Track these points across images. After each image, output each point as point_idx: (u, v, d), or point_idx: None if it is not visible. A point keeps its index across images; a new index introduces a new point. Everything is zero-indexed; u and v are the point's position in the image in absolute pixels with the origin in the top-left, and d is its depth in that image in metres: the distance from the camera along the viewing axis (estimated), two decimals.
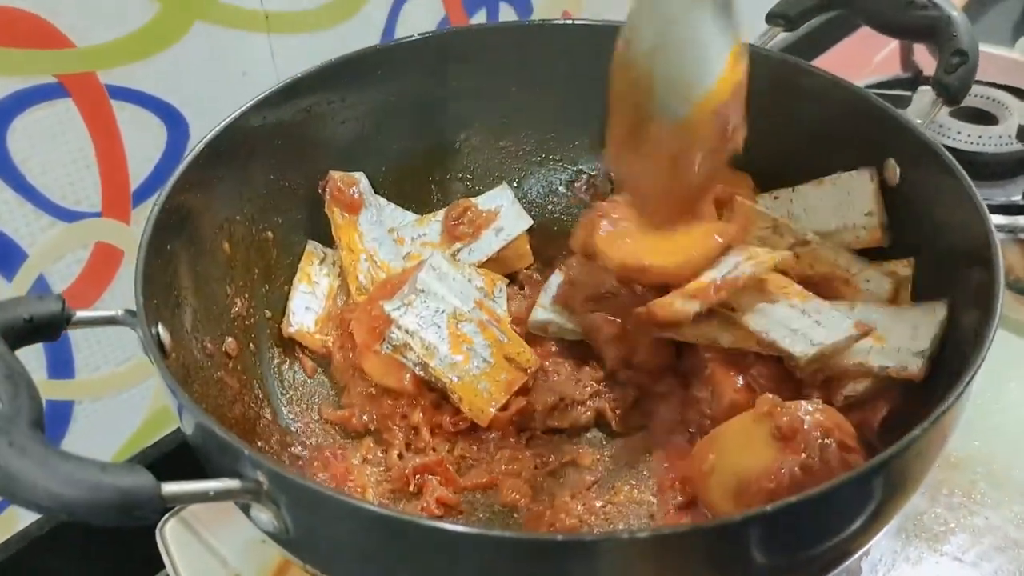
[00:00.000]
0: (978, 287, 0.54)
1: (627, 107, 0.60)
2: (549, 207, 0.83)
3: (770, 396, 0.57)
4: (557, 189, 0.83)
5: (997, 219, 0.87)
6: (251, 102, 0.65)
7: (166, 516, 0.69)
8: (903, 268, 0.65)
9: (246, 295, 0.68)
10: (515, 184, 0.82)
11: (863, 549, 0.50)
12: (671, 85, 0.58)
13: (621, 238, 0.64)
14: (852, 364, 0.60)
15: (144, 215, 0.56)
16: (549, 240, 0.79)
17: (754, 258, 0.63)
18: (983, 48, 0.69)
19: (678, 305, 0.61)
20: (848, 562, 0.50)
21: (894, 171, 0.65)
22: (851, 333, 0.60)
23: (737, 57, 0.58)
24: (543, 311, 0.70)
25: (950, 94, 0.67)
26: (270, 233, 0.71)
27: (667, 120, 0.58)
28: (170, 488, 0.37)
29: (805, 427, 0.54)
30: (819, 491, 0.42)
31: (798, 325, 0.61)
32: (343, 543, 0.42)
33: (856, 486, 0.44)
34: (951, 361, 0.56)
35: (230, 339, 0.65)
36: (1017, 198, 0.91)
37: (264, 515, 0.41)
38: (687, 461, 0.61)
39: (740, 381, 0.63)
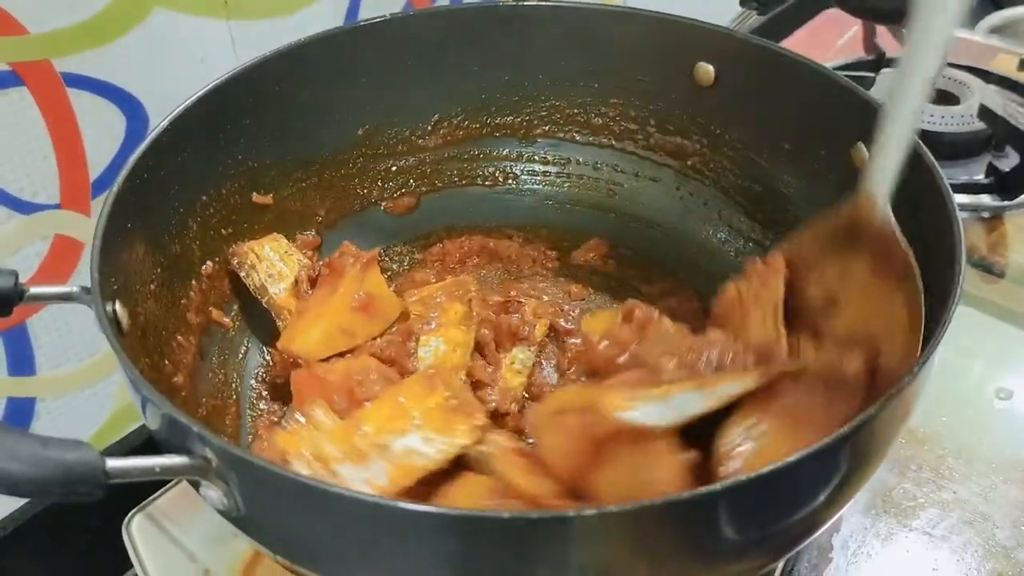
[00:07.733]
0: (940, 268, 0.53)
1: None
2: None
3: None
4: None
5: (960, 198, 0.88)
6: (209, 86, 0.64)
7: (132, 511, 0.67)
8: None
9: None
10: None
11: (830, 522, 0.50)
12: None
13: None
14: None
15: None
16: None
17: None
18: None
19: None
20: (817, 535, 0.50)
21: (862, 153, 0.64)
22: None
23: None
24: None
25: None
26: (233, 217, 0.70)
27: None
28: (114, 463, 0.36)
29: None
30: (783, 465, 0.41)
31: None
32: (293, 520, 0.41)
33: (819, 460, 0.44)
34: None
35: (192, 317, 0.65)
36: (979, 177, 0.91)
37: (214, 492, 0.40)
38: None
39: None
